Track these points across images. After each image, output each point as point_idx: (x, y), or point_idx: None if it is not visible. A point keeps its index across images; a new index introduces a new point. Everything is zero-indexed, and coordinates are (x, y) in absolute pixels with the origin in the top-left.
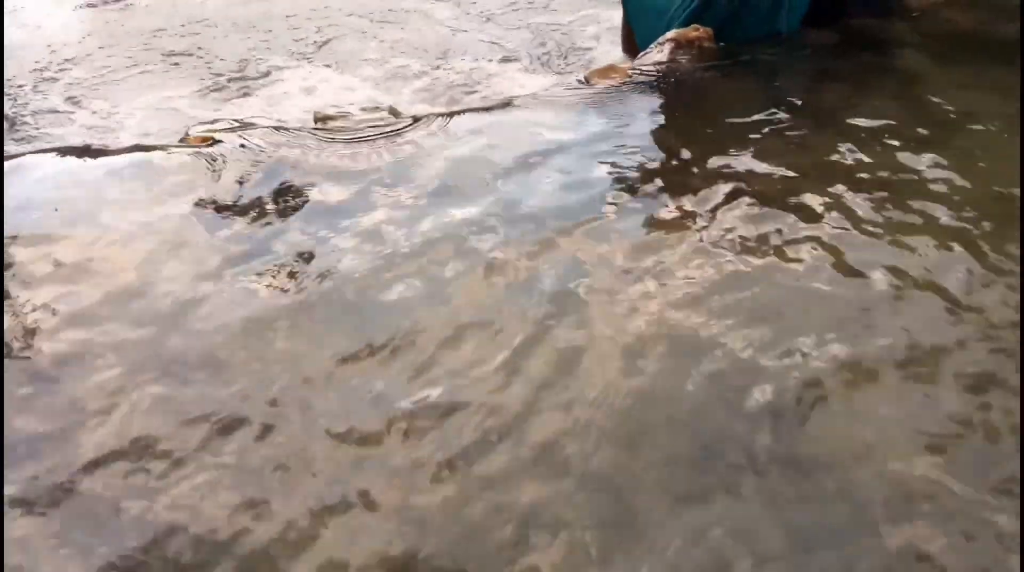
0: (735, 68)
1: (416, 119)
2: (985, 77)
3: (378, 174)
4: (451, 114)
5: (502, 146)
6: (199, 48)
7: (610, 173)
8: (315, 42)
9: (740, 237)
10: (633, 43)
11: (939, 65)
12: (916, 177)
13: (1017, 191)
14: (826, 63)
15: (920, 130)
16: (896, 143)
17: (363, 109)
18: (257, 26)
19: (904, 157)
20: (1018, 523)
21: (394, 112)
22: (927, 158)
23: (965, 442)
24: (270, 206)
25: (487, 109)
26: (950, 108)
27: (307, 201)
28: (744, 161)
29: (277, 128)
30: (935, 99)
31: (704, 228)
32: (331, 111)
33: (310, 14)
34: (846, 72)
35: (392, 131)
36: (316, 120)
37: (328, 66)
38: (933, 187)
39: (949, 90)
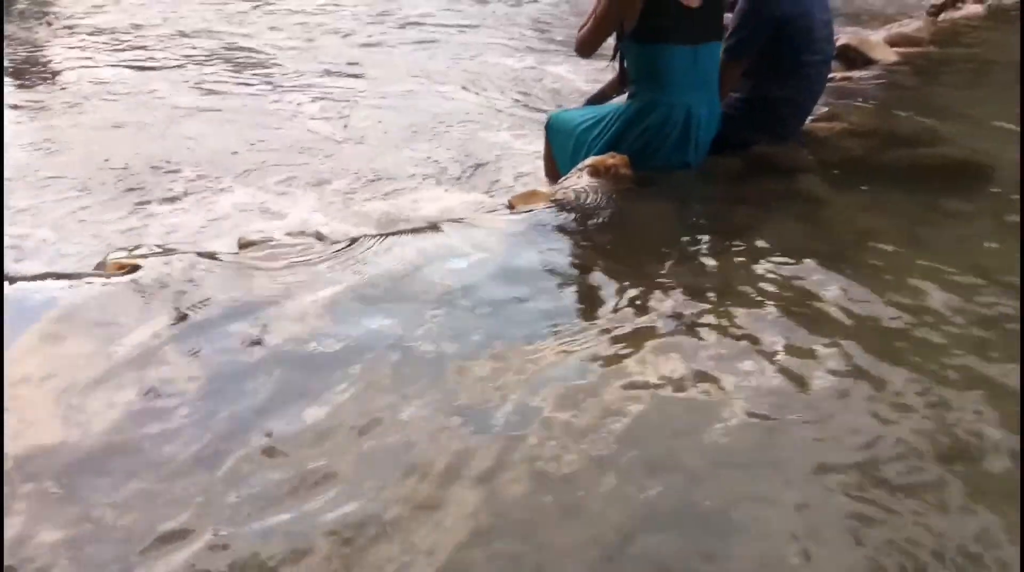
0: (649, 193)
1: (341, 244)
2: (880, 200)
3: (301, 304)
4: (376, 237)
5: (429, 272)
6: (118, 161)
7: (533, 298)
8: (240, 161)
9: (655, 362)
10: (555, 168)
11: (837, 189)
12: (824, 295)
13: (913, 308)
14: (733, 188)
15: (824, 250)
16: (802, 263)
17: (288, 234)
18: (181, 142)
19: (811, 275)
20: None
21: (319, 237)
22: (832, 276)
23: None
24: (186, 338)
25: (413, 232)
26: (850, 229)
27: (226, 332)
28: (660, 282)
29: (200, 254)
30: (836, 221)
31: (623, 354)
32: (255, 237)
33: (233, 135)
34: (752, 196)
35: (317, 258)
36: (240, 246)
37: (252, 187)
38: (839, 304)
39: (848, 212)
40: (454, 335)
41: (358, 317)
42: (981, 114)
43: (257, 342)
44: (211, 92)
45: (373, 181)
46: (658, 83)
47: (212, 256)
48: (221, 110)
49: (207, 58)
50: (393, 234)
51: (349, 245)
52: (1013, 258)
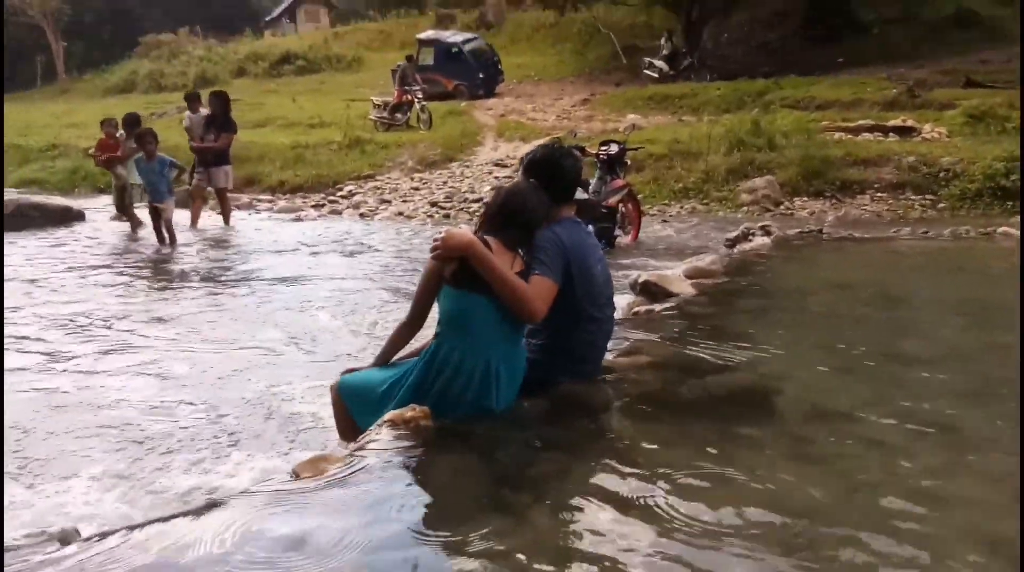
0: (453, 444)
1: (91, 543)
2: (680, 433)
3: None
4: (135, 528)
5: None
6: None
7: None
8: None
9: None
10: (351, 427)
11: (640, 425)
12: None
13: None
14: (540, 431)
15: (632, 491)
16: (612, 507)
17: (27, 535)
18: None
19: (619, 523)
20: None
21: (63, 539)
22: (638, 527)
23: None
24: None
25: (180, 516)
26: (655, 466)
27: None
28: (466, 549)
29: None
30: (641, 459)
31: None
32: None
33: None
34: (560, 439)
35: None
36: None
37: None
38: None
39: (652, 448)
40: None
41: None
42: (767, 339)
43: None
44: None
45: (140, 450)
46: (462, 329)
47: None
48: None
49: None
50: (154, 522)
51: (101, 541)
52: (806, 481)
